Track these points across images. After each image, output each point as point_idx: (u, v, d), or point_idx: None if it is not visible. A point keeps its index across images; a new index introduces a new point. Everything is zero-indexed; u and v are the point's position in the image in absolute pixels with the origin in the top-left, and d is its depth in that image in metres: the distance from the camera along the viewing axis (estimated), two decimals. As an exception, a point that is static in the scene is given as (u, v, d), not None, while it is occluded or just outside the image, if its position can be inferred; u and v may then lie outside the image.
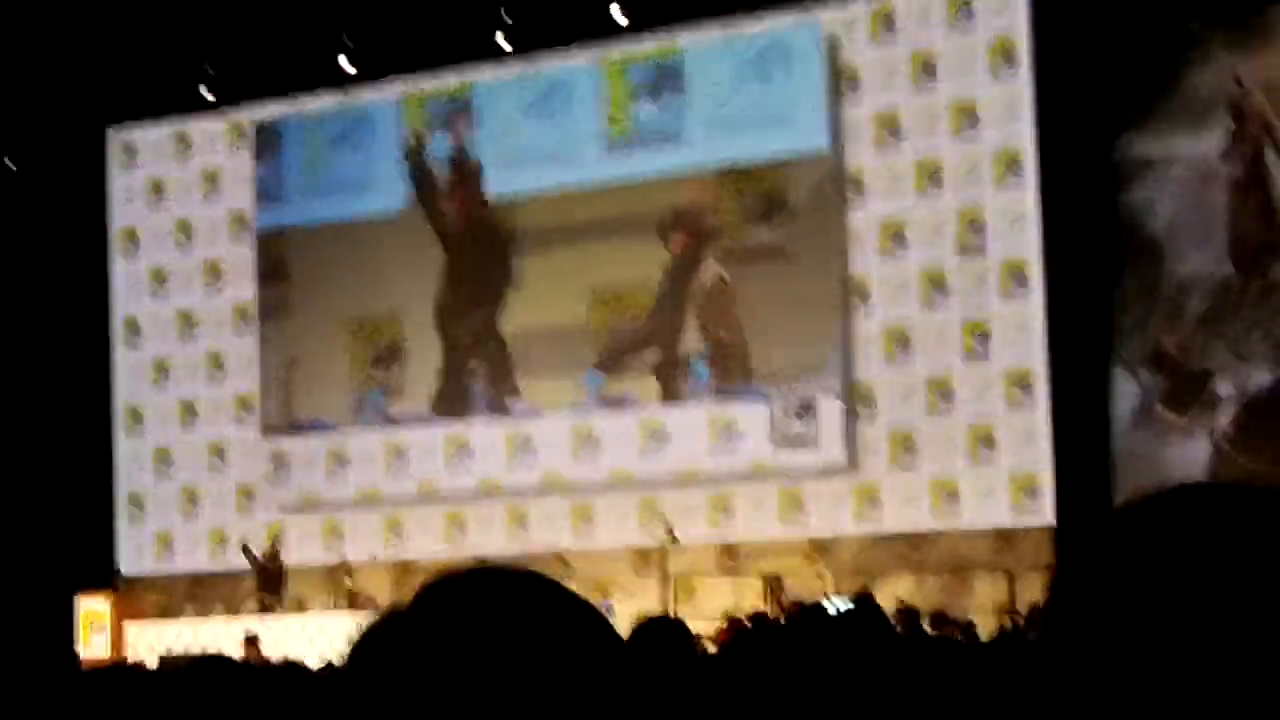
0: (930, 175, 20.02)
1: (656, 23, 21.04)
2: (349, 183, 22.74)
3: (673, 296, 21.13)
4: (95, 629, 21.57)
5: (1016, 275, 19.57)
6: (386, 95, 22.59)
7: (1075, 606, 1.40)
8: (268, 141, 23.28)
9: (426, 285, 22.30)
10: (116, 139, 24.34)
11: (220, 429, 23.64)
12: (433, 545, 21.88)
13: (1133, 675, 1.34)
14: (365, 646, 1.56)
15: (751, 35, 20.87)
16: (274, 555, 21.61)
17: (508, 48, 21.73)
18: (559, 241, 21.43)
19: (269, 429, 22.99)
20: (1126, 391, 19.19)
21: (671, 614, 16.14)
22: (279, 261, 23.11)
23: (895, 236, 20.16)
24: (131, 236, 24.33)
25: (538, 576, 1.58)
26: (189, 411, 23.82)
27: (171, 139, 24.07)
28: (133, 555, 23.94)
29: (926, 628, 14.80)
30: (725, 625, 15.01)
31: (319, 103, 22.88)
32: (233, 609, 21.76)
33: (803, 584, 19.10)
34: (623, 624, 4.26)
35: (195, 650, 15.25)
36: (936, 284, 19.92)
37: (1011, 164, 19.67)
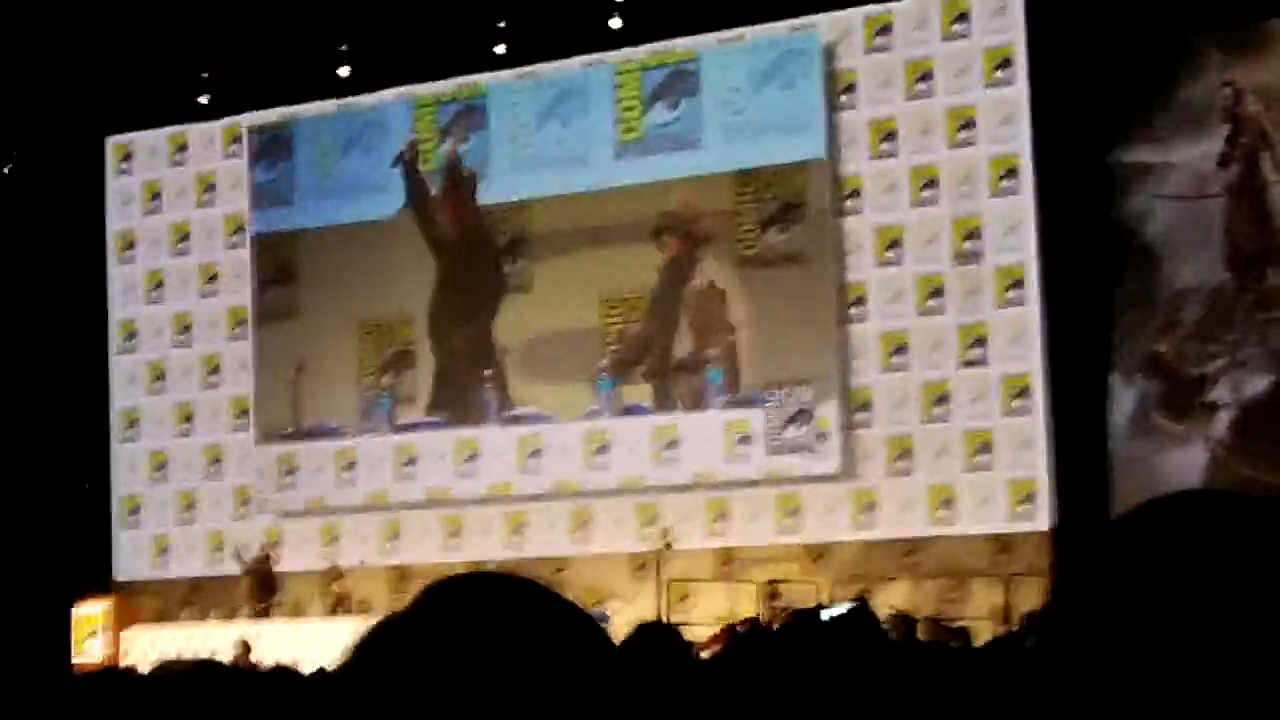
0: (927, 183, 20.03)
1: (658, 30, 21.04)
2: (359, 186, 22.69)
3: (664, 301, 21.13)
4: (91, 634, 21.55)
5: (1013, 282, 19.58)
6: (398, 99, 22.52)
7: (1073, 614, 1.40)
8: (275, 144, 23.20)
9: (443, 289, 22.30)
10: (113, 144, 24.33)
11: (217, 434, 23.62)
12: (429, 551, 21.87)
13: (1130, 682, 1.34)
14: (363, 652, 1.56)
15: (753, 42, 20.87)
16: (264, 561, 21.62)
17: (502, 50, 21.74)
18: (571, 246, 21.35)
19: (271, 433, 22.91)
20: (1123, 398, 19.20)
21: (667, 620, 16.15)
22: (286, 264, 23.04)
23: (892, 243, 20.17)
24: (127, 241, 24.32)
25: (532, 583, 1.59)
26: (185, 416, 23.81)
27: (168, 144, 24.06)
28: (129, 560, 23.92)
29: (922, 634, 14.79)
30: (720, 631, 15.01)
31: (330, 106, 22.80)
32: (229, 614, 21.75)
33: (799, 590, 19.11)
34: (619, 630, 4.26)
35: (191, 656, 15.23)
36: (933, 291, 19.93)
37: (1008, 172, 19.68)
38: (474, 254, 22.21)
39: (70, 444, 23.75)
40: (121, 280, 24.31)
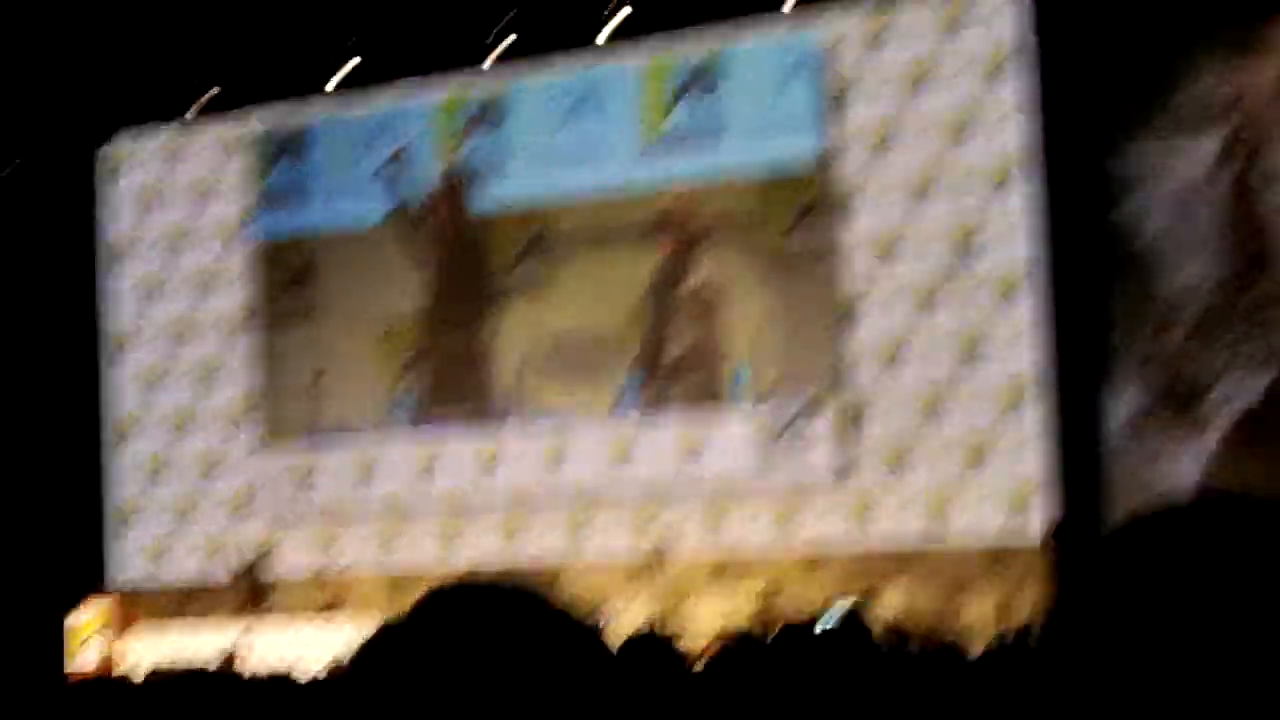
0: (923, 186, 20.04)
1: (653, 28, 21.05)
2: (380, 185, 22.65)
3: (657, 301, 21.14)
4: (86, 640, 21.54)
5: (1010, 287, 19.59)
6: (415, 98, 22.44)
7: (1071, 622, 1.39)
8: (290, 145, 23.11)
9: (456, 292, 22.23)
10: (108, 148, 24.33)
11: (213, 439, 23.62)
12: (424, 556, 21.87)
13: (1128, 690, 1.34)
14: (362, 658, 1.56)
15: (755, 45, 20.88)
16: (253, 568, 21.63)
17: (494, 53, 21.74)
18: (592, 246, 21.31)
19: (285, 437, 22.86)
20: (1120, 401, 19.20)
21: (662, 627, 16.14)
22: (302, 267, 22.97)
23: (888, 247, 20.17)
24: (122, 245, 24.31)
25: (530, 590, 1.59)
26: (181, 421, 23.81)
27: (164, 147, 24.06)
28: (124, 565, 23.92)
29: (917, 641, 14.78)
30: (715, 639, 15.01)
31: (346, 106, 22.72)
32: (226, 620, 21.73)
33: (795, 597, 19.10)
34: (614, 637, 4.25)
35: (187, 661, 15.28)
36: (930, 295, 19.94)
37: (1005, 175, 19.69)
38: (464, 260, 22.16)
39: (65, 449, 23.74)
40: (118, 284, 24.30)
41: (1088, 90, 19.17)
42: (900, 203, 20.16)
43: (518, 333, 21.72)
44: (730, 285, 20.71)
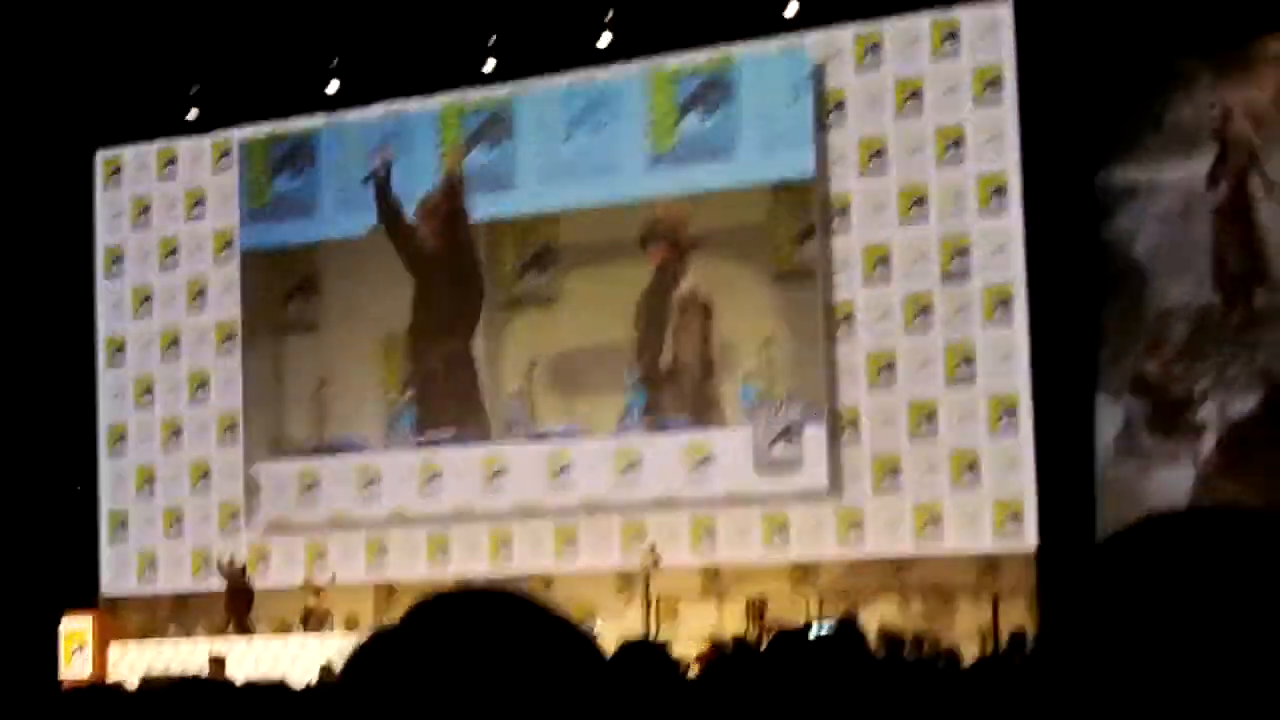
0: (915, 201, 20.05)
1: (640, 48, 21.05)
2: (369, 194, 22.61)
3: (649, 313, 21.11)
4: (78, 649, 21.50)
5: (1001, 301, 19.60)
6: (423, 108, 22.37)
7: (1063, 634, 1.40)
8: (296, 154, 23.00)
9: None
10: (102, 158, 24.31)
11: (204, 449, 23.58)
12: (414, 568, 21.84)
13: (1121, 702, 1.34)
14: (354, 666, 1.56)
15: (744, 59, 20.89)
16: (240, 575, 21.62)
17: (483, 66, 21.75)
18: (600, 257, 21.25)
19: (285, 446, 22.82)
20: (1110, 418, 19.21)
21: (654, 638, 16.12)
22: (309, 276, 22.89)
23: (880, 262, 20.18)
24: (116, 255, 24.28)
25: (524, 597, 1.59)
26: (173, 431, 23.77)
27: (156, 158, 24.04)
28: (115, 575, 23.88)
29: (909, 653, 14.78)
30: (707, 650, 14.99)
31: (353, 116, 22.66)
32: (217, 629, 21.70)
33: (786, 608, 19.09)
34: (606, 648, 4.25)
35: (178, 671, 15.21)
36: (921, 310, 19.94)
37: (996, 190, 19.71)
38: (455, 269, 22.11)
39: (57, 458, 23.69)
40: (109, 294, 24.27)
41: (1078, 109, 19.19)
42: (892, 219, 20.17)
43: (522, 345, 21.66)
44: (732, 298, 20.65)
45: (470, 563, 21.58)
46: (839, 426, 20.20)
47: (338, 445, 22.48)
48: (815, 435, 20.17)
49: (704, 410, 20.76)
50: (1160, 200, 19.15)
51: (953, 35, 20.07)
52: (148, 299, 24.03)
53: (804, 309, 20.41)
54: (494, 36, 21.60)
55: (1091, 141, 19.33)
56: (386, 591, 21.53)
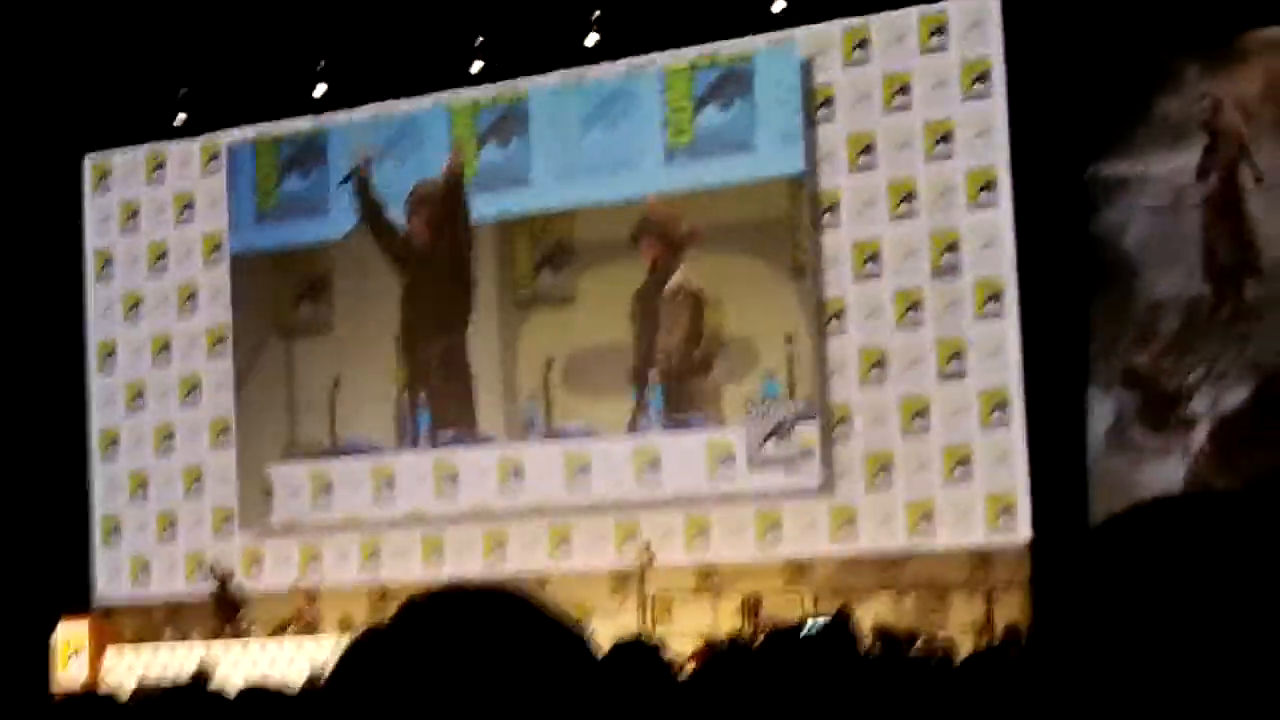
0: (904, 197, 20.06)
1: (621, 49, 21.05)
2: (397, 195, 22.44)
3: (644, 310, 21.09)
4: (71, 655, 21.47)
5: (991, 296, 19.61)
6: (435, 105, 22.24)
7: (1058, 624, 1.40)
8: (306, 154, 22.88)
9: (479, 302, 21.98)
10: (91, 162, 24.29)
11: (197, 453, 23.57)
12: (409, 570, 21.83)
13: (1118, 692, 1.34)
14: (346, 664, 1.56)
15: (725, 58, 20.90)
16: (226, 581, 21.64)
17: (478, 67, 21.74)
18: (616, 255, 21.18)
19: (298, 448, 22.72)
20: (1101, 411, 19.23)
21: (648, 635, 16.14)
22: (320, 277, 22.77)
23: (870, 258, 20.19)
24: (105, 259, 24.26)
25: (517, 596, 1.59)
26: (164, 436, 23.75)
27: (146, 163, 24.02)
28: (109, 580, 23.86)
29: (904, 648, 14.77)
30: (701, 648, 14.99)
31: (363, 114, 22.54)
32: (212, 634, 21.71)
33: (780, 605, 19.10)
34: (601, 646, 4.24)
35: (172, 676, 15.20)
36: (911, 305, 19.95)
37: (986, 185, 19.72)
38: (446, 269, 22.07)
39: (49, 464, 23.67)
40: (99, 299, 24.25)
41: (1067, 102, 19.20)
42: (881, 215, 20.18)
43: (539, 344, 21.55)
44: (752, 294, 20.58)
45: (466, 563, 21.57)
46: (831, 423, 20.21)
47: (351, 447, 22.39)
48: (807, 432, 20.17)
49: (703, 408, 20.75)
50: (1150, 193, 19.16)
51: (941, 30, 20.07)
52: (138, 304, 24.01)
53: (801, 305, 20.41)
54: (482, 38, 21.58)
55: (1081, 135, 19.34)
56: (380, 594, 21.51)
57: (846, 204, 20.37)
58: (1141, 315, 19.12)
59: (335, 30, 21.84)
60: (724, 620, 19.20)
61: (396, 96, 22.23)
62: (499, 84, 21.79)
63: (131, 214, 24.17)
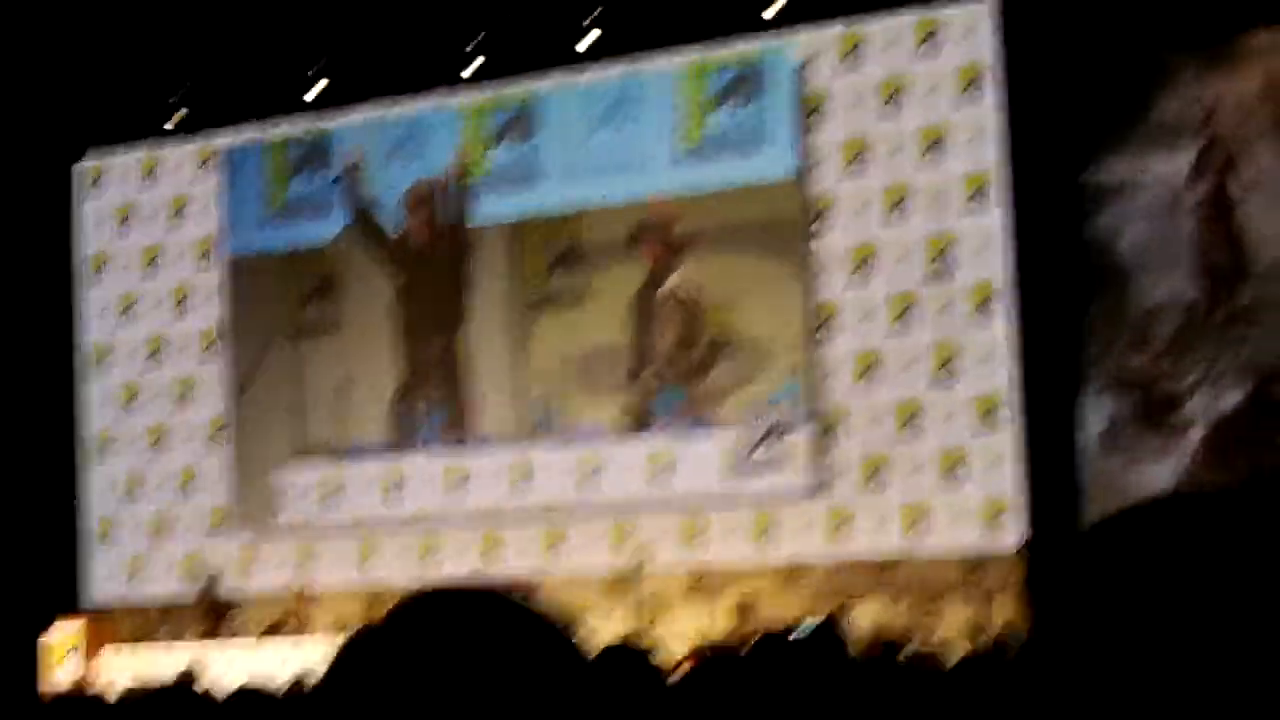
0: (898, 201, 20.07)
1: (615, 50, 21.05)
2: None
3: (641, 313, 21.08)
4: (64, 657, 21.47)
5: (985, 300, 19.62)
6: (443, 107, 22.15)
7: (1052, 626, 1.39)
8: (313, 155, 22.79)
9: (489, 304, 21.86)
10: (84, 165, 24.29)
11: (191, 455, 23.57)
12: (405, 571, 21.83)
13: (1114, 693, 1.34)
14: (338, 664, 1.56)
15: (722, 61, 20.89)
16: (211, 587, 21.66)
17: (476, 66, 21.74)
18: (628, 255, 21.13)
19: (307, 450, 22.67)
20: (1096, 415, 19.24)
21: (640, 639, 16.14)
22: (327, 277, 22.72)
23: (863, 261, 20.19)
24: (99, 263, 24.25)
25: (509, 596, 1.59)
26: (158, 438, 23.75)
27: (140, 165, 24.02)
28: (102, 582, 23.86)
29: (893, 652, 14.78)
30: (693, 650, 15.00)
31: (372, 115, 22.48)
32: (204, 636, 21.72)
33: (773, 608, 19.11)
34: (593, 647, 4.23)
35: (165, 679, 15.22)
36: (905, 309, 19.96)
37: (980, 189, 19.72)
38: (439, 270, 22.05)
39: (43, 465, 23.67)
40: (93, 302, 24.25)
41: (1062, 105, 19.21)
42: (875, 217, 20.19)
43: (551, 345, 21.48)
44: (765, 295, 20.56)
45: (461, 564, 21.57)
46: (825, 426, 20.21)
47: (358, 448, 22.35)
48: (801, 435, 20.19)
49: (699, 411, 20.75)
50: (1145, 196, 19.17)
51: (935, 33, 20.08)
52: (132, 305, 24.01)
53: (781, 309, 20.43)
54: (492, 37, 21.57)
55: (1076, 138, 19.35)
56: (373, 596, 21.51)
57: (839, 208, 20.37)
58: (1137, 319, 19.13)
59: (337, 30, 21.83)
60: (718, 623, 19.21)
61: (400, 96, 22.14)
62: (509, 84, 21.74)
63: (125, 216, 24.16)
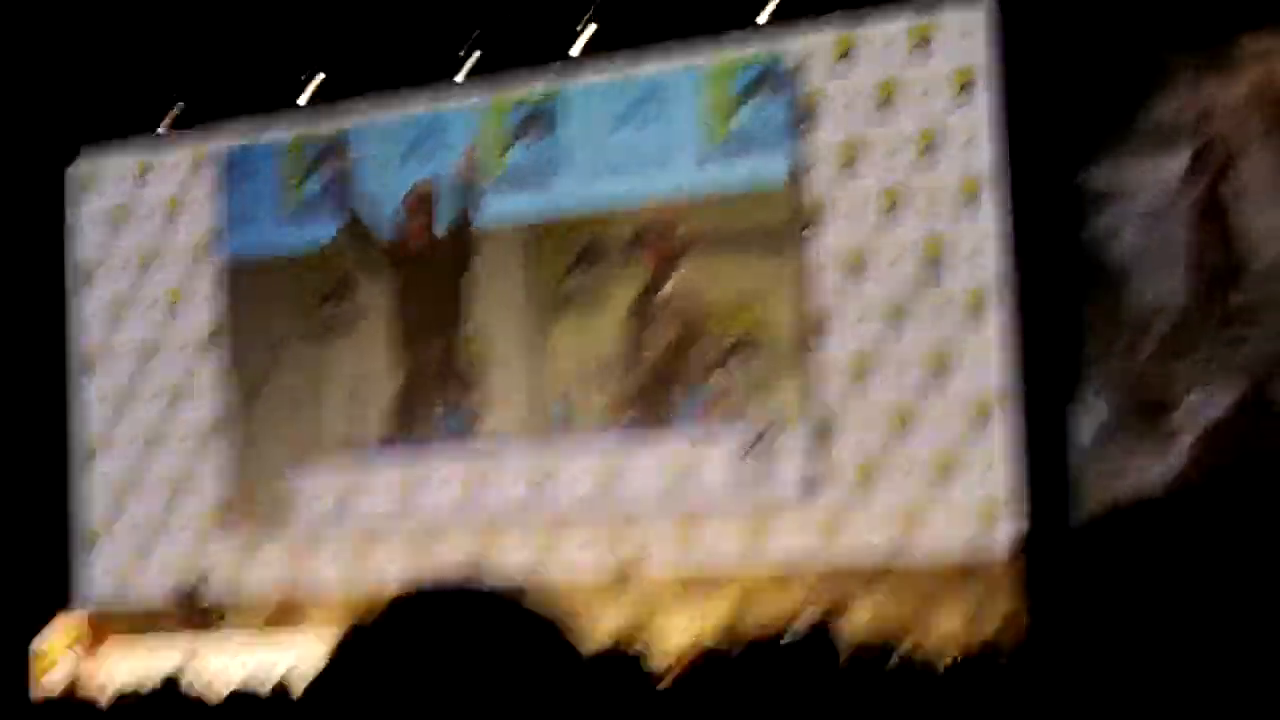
0: (892, 204, 20.07)
1: (609, 47, 21.07)
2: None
3: (640, 317, 21.08)
4: (55, 659, 21.46)
5: (978, 303, 19.63)
6: (462, 104, 22.02)
7: (1050, 626, 1.39)
8: (328, 154, 22.64)
9: (507, 304, 21.74)
10: (78, 167, 24.27)
11: (186, 457, 23.56)
12: (402, 569, 21.82)
13: (1109, 692, 1.33)
14: (334, 661, 1.55)
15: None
16: (194, 592, 21.68)
17: (470, 66, 21.74)
18: (639, 257, 21.03)
19: (322, 451, 22.62)
20: (1090, 417, 19.24)
21: (631, 643, 16.14)
22: (343, 277, 22.60)
23: (856, 265, 20.19)
24: (91, 265, 24.24)
25: (503, 593, 1.58)
26: (152, 439, 23.74)
27: (133, 167, 24.00)
28: (97, 583, 23.85)
29: (885, 656, 14.77)
30: (686, 652, 15.00)
31: (389, 113, 22.35)
32: (199, 638, 21.72)
33: (768, 611, 19.11)
34: (589, 649, 4.21)
35: (156, 680, 15.21)
36: (898, 312, 19.96)
37: (974, 192, 19.73)
38: (436, 271, 22.04)
39: (34, 467, 23.66)
40: (86, 304, 24.23)
41: (1056, 107, 19.22)
42: (869, 219, 20.19)
43: (569, 346, 21.41)
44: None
45: (456, 562, 21.57)
46: (819, 428, 20.22)
47: (376, 449, 22.32)
48: (795, 437, 20.19)
49: (695, 412, 20.76)
50: (1140, 199, 19.18)
51: (930, 36, 20.09)
52: (124, 309, 23.99)
53: (774, 312, 20.44)
54: (475, 34, 21.57)
55: (1072, 140, 19.36)
56: (372, 594, 21.49)
57: (833, 211, 20.37)
58: (1133, 321, 19.14)
59: (325, 34, 21.83)
60: (707, 627, 19.19)
61: (418, 95, 22.07)
62: (527, 81, 21.67)
63: (119, 218, 24.14)
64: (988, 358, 19.54)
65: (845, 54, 20.54)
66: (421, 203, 22.21)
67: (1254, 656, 1.29)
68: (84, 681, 20.75)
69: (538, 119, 21.64)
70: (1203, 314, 18.93)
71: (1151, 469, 18.84)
